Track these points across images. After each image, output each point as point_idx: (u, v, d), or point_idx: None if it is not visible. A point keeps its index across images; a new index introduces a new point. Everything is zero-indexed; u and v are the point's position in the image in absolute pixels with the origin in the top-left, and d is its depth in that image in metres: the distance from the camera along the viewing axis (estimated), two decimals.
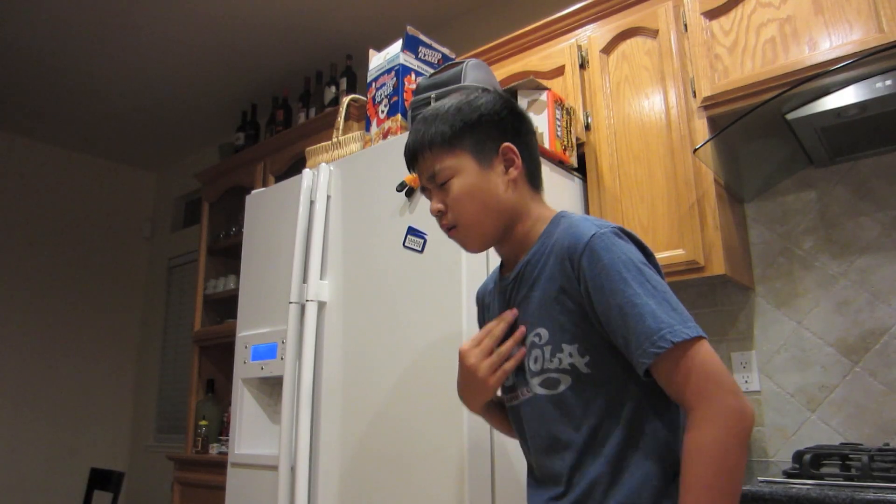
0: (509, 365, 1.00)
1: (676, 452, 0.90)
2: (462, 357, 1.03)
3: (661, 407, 0.92)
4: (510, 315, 1.01)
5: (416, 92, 1.85)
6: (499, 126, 1.02)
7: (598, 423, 0.92)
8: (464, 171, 1.00)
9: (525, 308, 1.00)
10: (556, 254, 0.96)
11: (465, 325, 1.44)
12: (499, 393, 1.08)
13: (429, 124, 1.03)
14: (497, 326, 1.01)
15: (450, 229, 1.03)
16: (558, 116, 1.84)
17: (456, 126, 1.00)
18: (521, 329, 1.00)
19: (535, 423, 0.99)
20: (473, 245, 1.04)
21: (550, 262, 0.97)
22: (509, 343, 1.00)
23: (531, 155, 1.06)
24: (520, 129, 1.05)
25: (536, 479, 1.03)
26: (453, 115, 1.01)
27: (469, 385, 1.04)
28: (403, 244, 1.60)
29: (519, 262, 1.03)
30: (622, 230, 0.94)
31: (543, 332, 0.96)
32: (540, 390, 0.97)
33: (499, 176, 1.01)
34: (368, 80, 2.03)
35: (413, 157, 1.05)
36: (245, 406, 2.00)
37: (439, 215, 1.03)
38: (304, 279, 1.77)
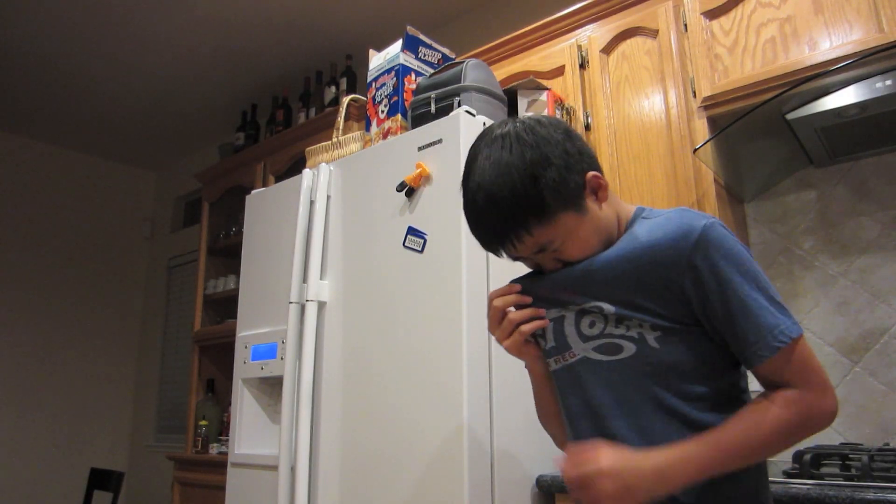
0: (526, 328, 1.01)
1: None
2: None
3: (726, 401, 0.92)
4: (516, 287, 1.04)
5: (416, 92, 1.85)
6: (574, 165, 0.95)
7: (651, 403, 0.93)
8: (573, 231, 0.95)
9: (584, 280, 0.98)
10: (648, 242, 0.94)
11: (465, 325, 1.44)
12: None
13: (510, 209, 0.91)
14: (499, 298, 1.03)
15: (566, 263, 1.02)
16: (558, 116, 1.84)
17: (546, 198, 0.91)
18: (542, 314, 1.02)
19: (589, 387, 0.98)
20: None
21: (635, 247, 0.95)
22: (525, 312, 1.01)
23: (599, 165, 1.04)
24: (583, 149, 0.98)
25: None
26: (535, 187, 0.91)
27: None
28: (403, 244, 1.60)
29: None
30: (725, 225, 0.94)
31: (608, 307, 0.95)
32: (594, 355, 0.96)
33: (594, 206, 0.98)
34: (368, 80, 2.03)
35: (503, 243, 0.96)
36: (245, 406, 2.00)
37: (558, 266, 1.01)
38: (304, 279, 1.77)
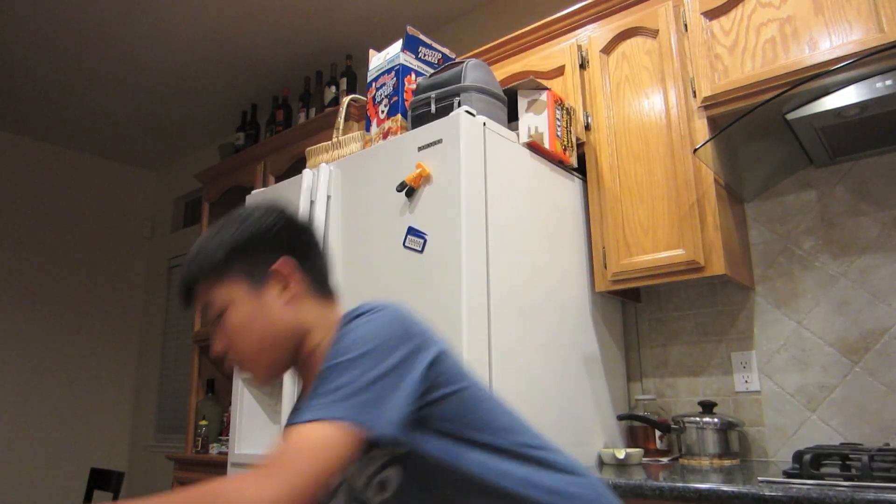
0: None
1: None
2: None
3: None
4: None
5: (416, 92, 1.85)
6: (273, 241, 0.92)
7: None
8: (236, 301, 0.89)
9: None
10: None
11: (465, 325, 1.44)
12: None
13: (197, 253, 0.91)
14: None
15: (240, 367, 0.92)
16: (558, 116, 1.84)
17: (225, 249, 0.89)
18: None
19: None
20: (265, 379, 0.92)
21: None
22: None
23: (315, 264, 0.96)
24: (297, 238, 0.95)
25: None
26: (221, 239, 0.90)
27: None
28: (403, 244, 1.60)
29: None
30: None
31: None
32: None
33: (275, 297, 0.90)
34: (368, 80, 2.03)
35: (187, 292, 0.92)
36: (245, 406, 2.00)
37: (224, 356, 0.90)
38: None
